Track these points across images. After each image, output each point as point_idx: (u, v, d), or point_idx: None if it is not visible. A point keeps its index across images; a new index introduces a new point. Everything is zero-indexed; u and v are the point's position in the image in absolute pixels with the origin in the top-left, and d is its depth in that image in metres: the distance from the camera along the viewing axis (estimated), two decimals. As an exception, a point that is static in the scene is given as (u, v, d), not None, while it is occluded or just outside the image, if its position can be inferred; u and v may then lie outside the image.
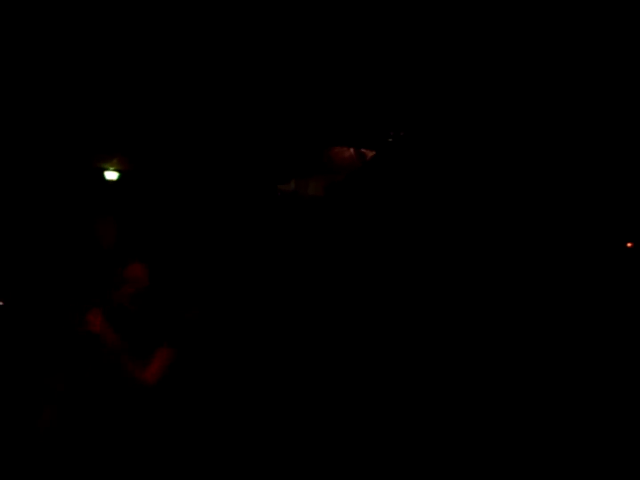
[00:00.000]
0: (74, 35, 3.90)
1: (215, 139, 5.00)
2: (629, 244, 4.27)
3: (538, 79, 3.74)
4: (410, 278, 4.31)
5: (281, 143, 4.95)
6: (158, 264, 2.84)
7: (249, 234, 4.87)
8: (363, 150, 4.92)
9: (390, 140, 4.58)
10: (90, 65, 4.23)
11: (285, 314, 4.38)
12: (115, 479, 2.49)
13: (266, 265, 4.68)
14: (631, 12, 3.11)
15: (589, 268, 4.06)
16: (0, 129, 4.74)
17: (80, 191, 5.33)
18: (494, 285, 4.13)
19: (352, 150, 4.98)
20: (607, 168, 4.12)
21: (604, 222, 4.18)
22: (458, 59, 3.93)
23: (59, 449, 2.46)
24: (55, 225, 4.90)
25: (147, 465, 2.57)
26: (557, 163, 4.14)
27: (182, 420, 2.95)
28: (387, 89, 4.31)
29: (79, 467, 2.45)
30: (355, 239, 4.56)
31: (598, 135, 4.02)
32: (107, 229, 4.55)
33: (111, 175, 5.53)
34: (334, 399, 3.83)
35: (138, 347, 2.59)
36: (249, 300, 4.43)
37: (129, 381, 2.53)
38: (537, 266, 4.12)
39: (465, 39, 3.74)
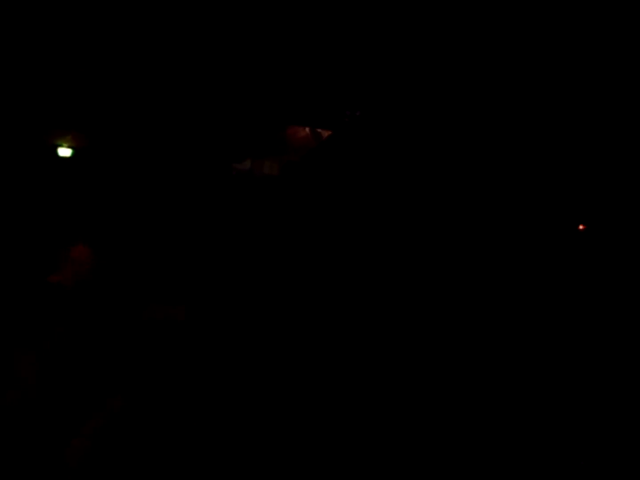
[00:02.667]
0: (27, 10, 3.81)
1: (171, 118, 4.95)
2: (581, 226, 4.33)
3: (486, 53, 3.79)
4: (364, 255, 4.34)
5: (237, 122, 4.93)
6: (107, 246, 2.78)
7: (205, 213, 4.84)
8: (319, 130, 4.93)
9: (346, 120, 4.60)
10: (44, 40, 4.14)
11: (240, 293, 4.37)
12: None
13: (222, 245, 4.67)
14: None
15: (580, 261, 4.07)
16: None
17: (33, 168, 5.23)
18: (452, 260, 4.18)
19: (307, 129, 4.99)
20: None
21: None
22: (413, 40, 3.95)
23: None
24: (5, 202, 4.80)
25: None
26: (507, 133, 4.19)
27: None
28: (343, 69, 4.32)
29: None
30: (310, 219, 4.58)
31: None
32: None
33: (65, 152, 5.43)
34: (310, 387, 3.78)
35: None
36: (205, 283, 4.41)
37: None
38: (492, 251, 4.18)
39: (420, 19, 3.76)
